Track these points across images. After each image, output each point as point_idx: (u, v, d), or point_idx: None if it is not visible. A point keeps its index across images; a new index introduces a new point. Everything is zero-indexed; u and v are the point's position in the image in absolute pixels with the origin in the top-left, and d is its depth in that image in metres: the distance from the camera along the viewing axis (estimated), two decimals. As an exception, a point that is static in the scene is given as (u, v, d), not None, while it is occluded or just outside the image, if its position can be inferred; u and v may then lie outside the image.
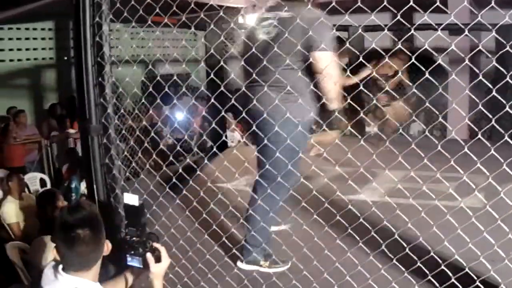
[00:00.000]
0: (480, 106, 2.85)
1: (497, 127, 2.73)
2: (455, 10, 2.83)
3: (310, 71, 3.79)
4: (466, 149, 2.69)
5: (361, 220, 3.66)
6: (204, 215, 3.88)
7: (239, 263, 4.15)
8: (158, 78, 3.74)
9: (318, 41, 3.65)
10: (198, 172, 3.94)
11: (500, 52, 3.11)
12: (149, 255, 2.65)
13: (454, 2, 2.90)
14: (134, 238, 2.68)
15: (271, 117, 3.65)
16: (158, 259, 2.67)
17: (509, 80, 2.54)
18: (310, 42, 3.63)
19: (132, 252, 2.67)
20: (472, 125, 3.44)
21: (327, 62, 3.69)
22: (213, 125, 3.90)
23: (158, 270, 2.66)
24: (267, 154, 3.75)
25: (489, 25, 2.92)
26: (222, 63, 3.83)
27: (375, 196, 4.76)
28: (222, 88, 3.58)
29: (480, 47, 2.82)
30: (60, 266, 2.48)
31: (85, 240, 2.39)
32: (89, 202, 3.01)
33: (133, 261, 2.68)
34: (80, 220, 2.42)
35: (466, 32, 3.11)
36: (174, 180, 3.87)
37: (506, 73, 2.55)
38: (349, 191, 3.93)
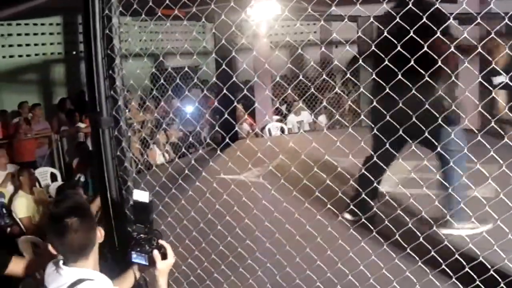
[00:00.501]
0: (493, 94, 2.82)
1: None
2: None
3: None
4: (479, 137, 2.68)
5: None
6: (217, 206, 3.88)
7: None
8: (169, 70, 3.73)
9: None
10: (210, 164, 3.94)
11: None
12: (155, 252, 2.66)
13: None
14: (141, 235, 2.70)
15: None
16: (164, 256, 2.68)
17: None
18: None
19: (139, 249, 2.68)
20: (486, 114, 3.41)
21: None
22: (225, 116, 3.85)
23: (163, 267, 2.68)
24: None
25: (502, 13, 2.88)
26: (233, 54, 3.80)
27: (387, 187, 4.75)
28: (234, 79, 3.57)
29: (493, 35, 2.80)
30: (61, 262, 2.54)
31: (73, 228, 2.44)
32: (74, 191, 3.06)
33: (140, 258, 2.69)
34: (66, 209, 2.48)
35: (479, 20, 3.07)
36: (186, 171, 3.86)
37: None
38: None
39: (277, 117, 12.80)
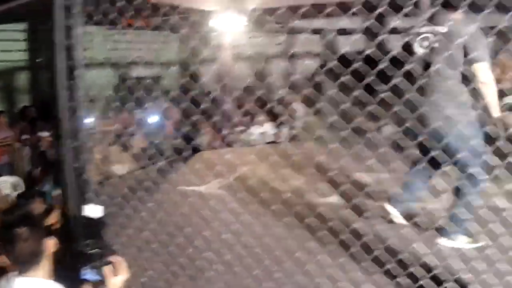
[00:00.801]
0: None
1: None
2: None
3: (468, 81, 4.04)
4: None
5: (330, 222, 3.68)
6: (177, 218, 3.87)
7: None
8: (130, 79, 3.73)
9: (477, 53, 3.90)
10: (170, 175, 3.94)
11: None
12: (107, 268, 2.62)
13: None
14: (92, 251, 2.67)
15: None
16: (115, 272, 2.65)
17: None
18: (468, 54, 3.93)
19: (90, 265, 2.65)
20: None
21: (485, 72, 3.95)
22: (186, 128, 3.86)
23: (116, 283, 2.65)
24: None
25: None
26: (198, 65, 3.82)
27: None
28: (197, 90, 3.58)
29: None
30: (13, 273, 2.54)
31: (22, 237, 2.46)
32: (24, 201, 3.08)
33: (92, 274, 2.65)
34: (16, 219, 2.52)
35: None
36: (147, 183, 3.86)
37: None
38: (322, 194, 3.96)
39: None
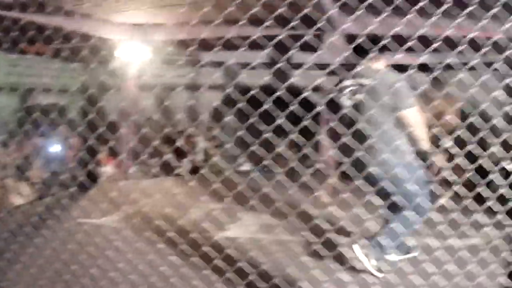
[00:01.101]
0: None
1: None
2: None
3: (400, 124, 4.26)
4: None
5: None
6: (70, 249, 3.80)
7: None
8: (31, 108, 3.66)
9: (403, 100, 4.16)
10: (69, 206, 3.88)
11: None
12: None
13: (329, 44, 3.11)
14: None
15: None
16: None
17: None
18: (397, 103, 4.16)
19: None
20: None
21: (415, 116, 4.21)
22: (88, 158, 3.81)
23: None
24: None
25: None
26: (101, 94, 3.79)
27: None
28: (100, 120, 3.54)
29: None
30: None
31: None
32: None
33: None
34: None
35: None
36: (43, 215, 3.78)
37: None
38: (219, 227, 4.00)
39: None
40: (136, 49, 10.05)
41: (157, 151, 12.51)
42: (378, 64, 4.43)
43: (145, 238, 4.03)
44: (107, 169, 11.29)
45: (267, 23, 2.99)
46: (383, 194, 4.14)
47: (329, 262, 3.60)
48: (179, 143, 12.59)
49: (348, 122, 4.19)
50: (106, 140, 3.86)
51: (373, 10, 3.02)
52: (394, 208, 4.15)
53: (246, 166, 11.69)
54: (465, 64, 3.08)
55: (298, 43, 3.05)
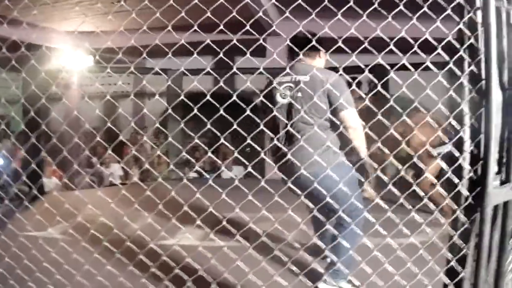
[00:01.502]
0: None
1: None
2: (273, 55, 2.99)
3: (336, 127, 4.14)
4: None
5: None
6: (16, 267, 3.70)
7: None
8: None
9: (341, 101, 4.03)
10: (14, 218, 3.76)
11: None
12: None
13: (273, 47, 3.08)
14: None
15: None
16: None
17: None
18: (333, 103, 4.07)
19: None
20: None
21: (353, 118, 4.12)
22: (31, 169, 3.70)
23: None
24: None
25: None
26: (43, 102, 3.69)
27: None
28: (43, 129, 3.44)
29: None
30: None
31: None
32: None
33: None
34: None
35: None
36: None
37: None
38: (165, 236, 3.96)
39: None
40: (80, 58, 9.93)
41: (103, 159, 12.39)
42: (315, 61, 4.40)
43: (81, 248, 3.93)
44: (53, 179, 11.08)
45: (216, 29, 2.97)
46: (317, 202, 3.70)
47: (265, 266, 3.54)
48: (129, 150, 12.49)
49: (281, 121, 4.21)
50: (51, 152, 3.75)
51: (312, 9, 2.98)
52: (334, 220, 4.00)
53: (194, 173, 11.64)
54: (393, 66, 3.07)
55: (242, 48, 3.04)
